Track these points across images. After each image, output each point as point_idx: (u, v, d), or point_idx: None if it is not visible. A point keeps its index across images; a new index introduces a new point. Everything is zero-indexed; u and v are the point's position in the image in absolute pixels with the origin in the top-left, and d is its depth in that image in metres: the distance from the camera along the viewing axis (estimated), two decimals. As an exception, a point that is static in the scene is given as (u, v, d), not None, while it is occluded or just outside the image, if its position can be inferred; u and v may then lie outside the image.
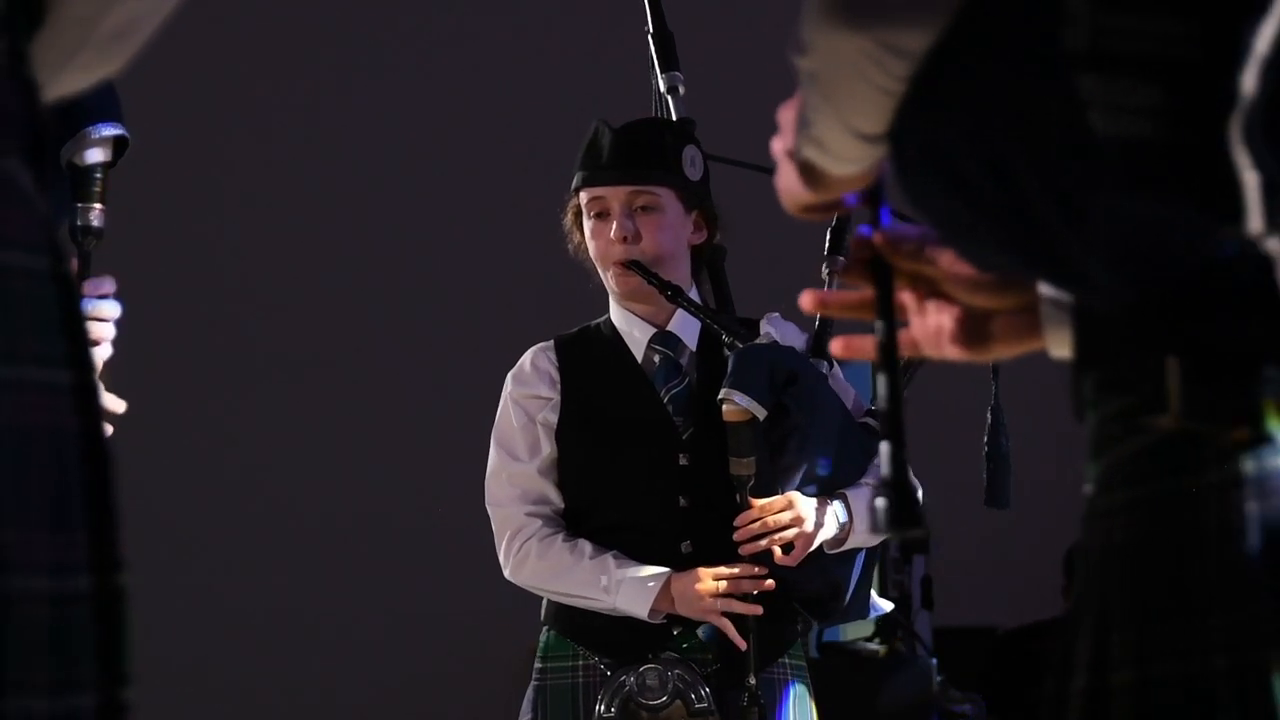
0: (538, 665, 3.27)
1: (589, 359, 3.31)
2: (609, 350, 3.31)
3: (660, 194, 3.24)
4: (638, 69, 3.59)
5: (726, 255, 3.36)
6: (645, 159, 3.24)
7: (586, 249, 3.30)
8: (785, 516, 3.12)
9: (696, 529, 3.20)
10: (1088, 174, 1.18)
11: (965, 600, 6.09)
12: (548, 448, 3.26)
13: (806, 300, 1.43)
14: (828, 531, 3.17)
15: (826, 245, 3.35)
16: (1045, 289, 1.33)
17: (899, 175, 1.32)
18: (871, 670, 5.21)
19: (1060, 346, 1.31)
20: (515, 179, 6.73)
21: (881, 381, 1.30)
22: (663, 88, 3.51)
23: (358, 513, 6.92)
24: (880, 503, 1.28)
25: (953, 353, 1.41)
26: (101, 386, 1.35)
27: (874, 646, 5.28)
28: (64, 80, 1.39)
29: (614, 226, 3.23)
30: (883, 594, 5.27)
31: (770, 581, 3.14)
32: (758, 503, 3.12)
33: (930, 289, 1.39)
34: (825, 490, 3.19)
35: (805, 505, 3.14)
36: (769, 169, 3.62)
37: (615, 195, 3.24)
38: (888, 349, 1.31)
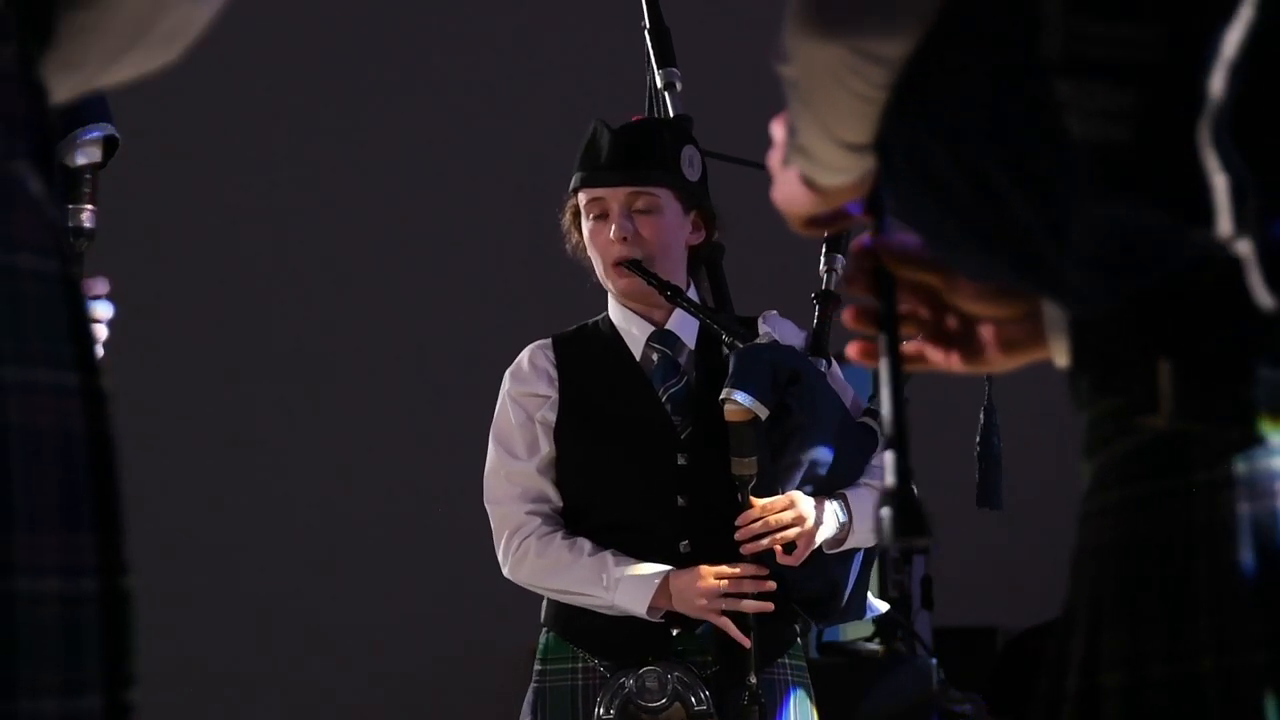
0: (537, 667, 3.28)
1: (587, 357, 3.32)
2: (607, 349, 3.31)
3: (659, 195, 3.25)
4: (634, 65, 3.59)
5: (724, 253, 3.36)
6: (644, 160, 3.25)
7: (585, 248, 3.30)
8: (787, 516, 3.12)
9: (694, 528, 3.21)
10: (1062, 179, 1.19)
11: (965, 600, 6.09)
12: (546, 446, 3.27)
13: (853, 350, 1.42)
14: (827, 531, 3.17)
15: (824, 243, 3.36)
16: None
17: (888, 185, 1.32)
18: (871, 670, 5.21)
19: (1063, 355, 1.32)
20: (512, 176, 6.74)
21: (885, 391, 1.30)
22: (659, 84, 3.51)
23: (357, 512, 6.92)
24: (885, 511, 1.28)
25: (957, 364, 1.41)
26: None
27: (874, 646, 5.29)
28: (105, 79, 1.42)
29: (613, 227, 3.23)
30: (883, 594, 5.29)
31: (771, 582, 3.14)
32: (759, 502, 3.13)
33: (933, 298, 1.39)
34: (824, 490, 3.19)
35: (807, 505, 3.14)
36: (766, 165, 3.62)
37: (614, 196, 3.25)
38: (891, 359, 1.31)
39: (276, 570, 6.85)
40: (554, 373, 3.29)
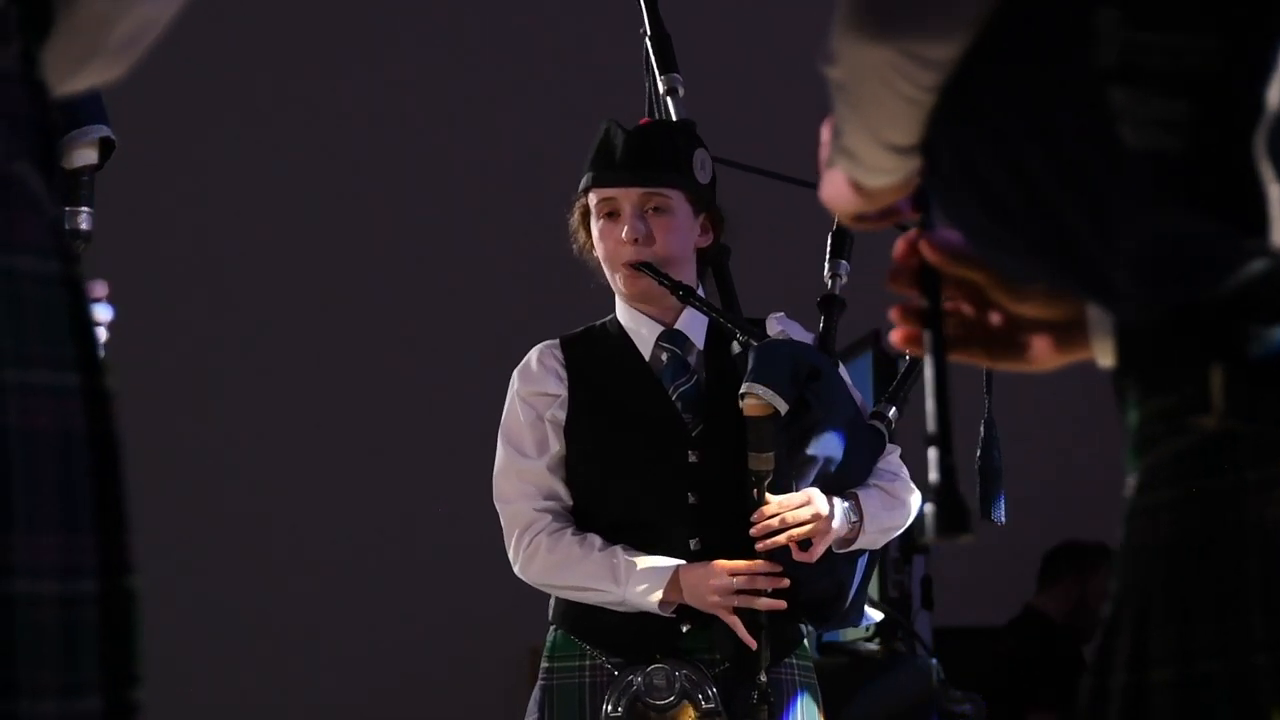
0: (545, 665, 3.26)
1: (596, 357, 3.31)
2: (616, 349, 3.31)
3: (671, 196, 3.24)
4: (636, 71, 3.60)
5: (730, 255, 3.36)
6: (657, 161, 3.24)
7: (592, 249, 3.30)
8: (804, 513, 3.12)
9: (705, 526, 3.20)
10: (1115, 187, 1.19)
11: (965, 600, 6.11)
12: (556, 445, 3.26)
13: (897, 336, 1.42)
14: (839, 530, 3.17)
15: (829, 248, 3.37)
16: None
17: (933, 186, 1.33)
18: (871, 670, 5.21)
19: (1107, 356, 1.32)
20: (515, 179, 6.74)
21: (929, 388, 1.30)
22: (661, 89, 3.51)
23: (358, 513, 6.92)
24: (929, 508, 1.28)
25: (1000, 361, 1.41)
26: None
27: (874, 646, 5.28)
28: (68, 86, 1.41)
29: (625, 227, 3.23)
30: (883, 594, 5.29)
31: (785, 580, 3.15)
32: (775, 499, 3.13)
33: (978, 297, 1.39)
34: (835, 488, 3.19)
35: (823, 502, 3.14)
36: (771, 173, 3.60)
37: (627, 196, 3.24)
38: (937, 356, 1.32)
39: (277, 570, 6.85)
40: (563, 372, 3.29)
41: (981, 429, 3.02)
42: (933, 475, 1.29)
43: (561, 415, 3.26)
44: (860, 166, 1.37)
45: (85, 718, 1.25)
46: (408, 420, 6.94)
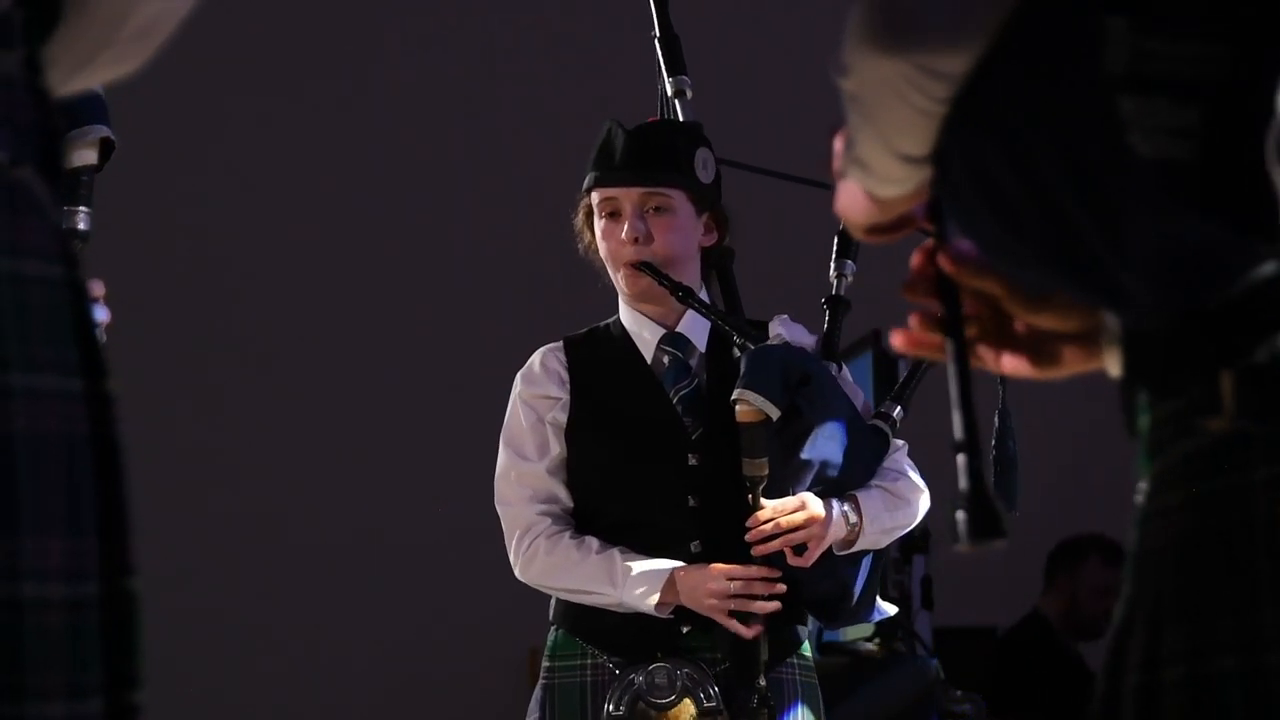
0: (546, 664, 3.27)
1: (598, 359, 3.32)
2: (618, 351, 3.32)
3: (673, 196, 3.25)
4: (645, 73, 3.60)
5: (734, 258, 3.37)
6: (658, 160, 3.25)
7: (597, 249, 3.31)
8: (799, 517, 3.13)
9: (706, 529, 3.21)
10: (1126, 194, 1.20)
11: (965, 600, 6.11)
12: (557, 448, 3.27)
13: (898, 339, 1.43)
14: (837, 533, 3.18)
15: (834, 248, 3.37)
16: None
17: (946, 196, 1.33)
18: (871, 670, 5.21)
19: (1118, 365, 1.33)
20: (522, 180, 6.74)
21: (954, 394, 1.30)
22: (669, 91, 3.51)
23: (358, 514, 6.92)
24: (959, 515, 1.29)
25: (1012, 368, 1.41)
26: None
27: (874, 646, 5.29)
28: (80, 80, 1.41)
29: (625, 227, 3.24)
30: (883, 594, 5.29)
31: (782, 584, 3.15)
32: (769, 504, 3.14)
33: (992, 306, 1.39)
34: (835, 491, 3.20)
35: (818, 506, 3.15)
36: (778, 173, 3.61)
37: (628, 196, 3.25)
38: (959, 364, 1.32)
39: (277, 572, 6.85)
40: (565, 375, 3.30)
41: (996, 419, 3.04)
42: (962, 481, 1.29)
43: (563, 418, 3.27)
44: (873, 176, 1.38)
45: (90, 718, 1.26)
46: (409, 421, 6.94)
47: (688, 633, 3.20)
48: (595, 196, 3.29)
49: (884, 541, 3.27)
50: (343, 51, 7.10)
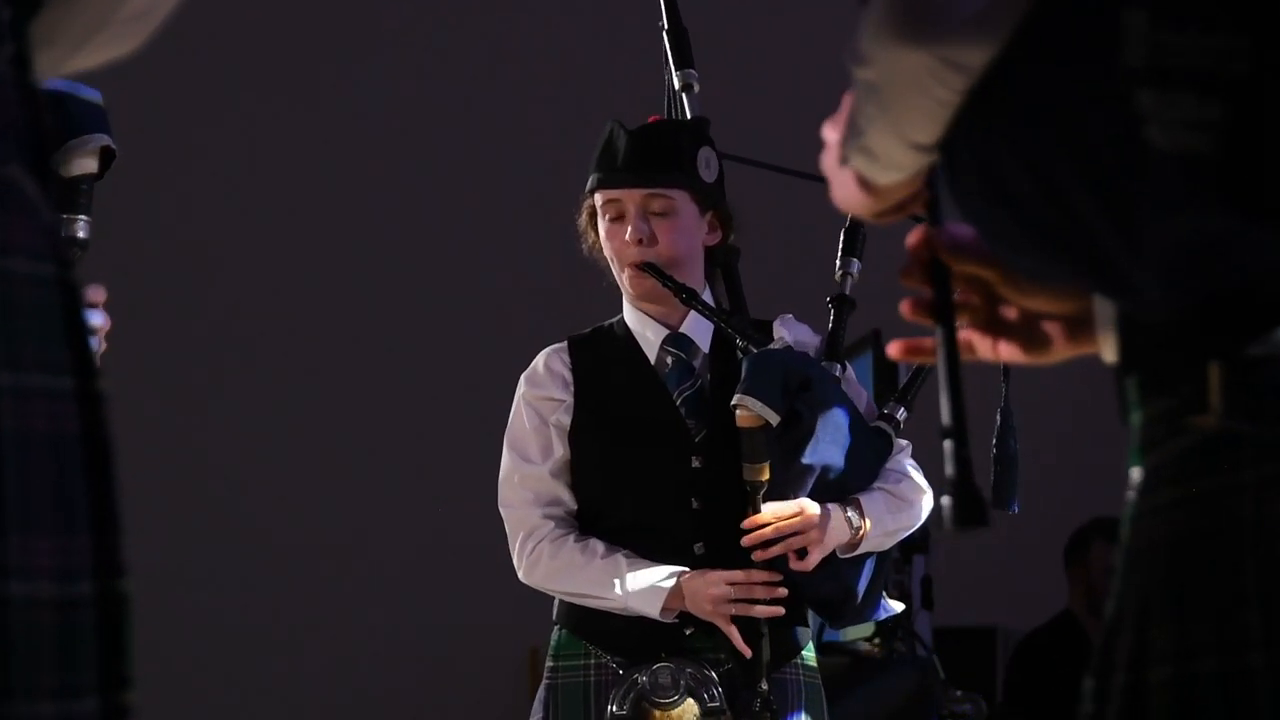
0: (549, 664, 3.27)
1: (602, 360, 3.32)
2: (622, 351, 3.32)
3: (675, 196, 3.25)
4: (652, 66, 3.60)
5: (740, 256, 3.37)
6: (661, 161, 3.24)
7: (600, 249, 3.31)
8: (796, 522, 3.13)
9: (709, 531, 3.21)
10: (1141, 188, 1.20)
11: (965, 600, 6.11)
12: (560, 450, 3.27)
13: (894, 349, 1.43)
14: (840, 537, 3.18)
15: (840, 247, 3.37)
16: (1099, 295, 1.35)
17: (950, 183, 1.34)
18: (871, 670, 5.22)
19: (1112, 352, 1.33)
20: (527, 177, 6.74)
21: (943, 381, 1.31)
22: (677, 85, 3.51)
23: (358, 514, 6.92)
24: (945, 501, 1.29)
25: (1007, 355, 1.42)
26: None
27: (874, 646, 5.29)
28: (76, 60, 1.40)
29: (629, 229, 3.24)
30: (883, 590, 5.29)
31: (783, 590, 3.16)
32: (768, 508, 3.14)
33: (986, 291, 1.40)
34: (837, 495, 3.20)
35: (816, 511, 3.15)
36: (784, 168, 3.59)
37: (630, 198, 3.25)
38: (948, 351, 1.33)
39: (276, 571, 6.85)
40: (569, 376, 3.30)
41: (998, 417, 3.03)
42: (948, 468, 1.30)
43: (566, 420, 3.28)
44: (877, 164, 1.38)
45: (82, 719, 1.25)
46: (410, 421, 6.94)
47: (691, 634, 3.20)
48: (598, 198, 3.29)
49: (888, 544, 3.27)
50: (343, 51, 7.10)
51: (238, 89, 7.00)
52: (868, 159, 1.38)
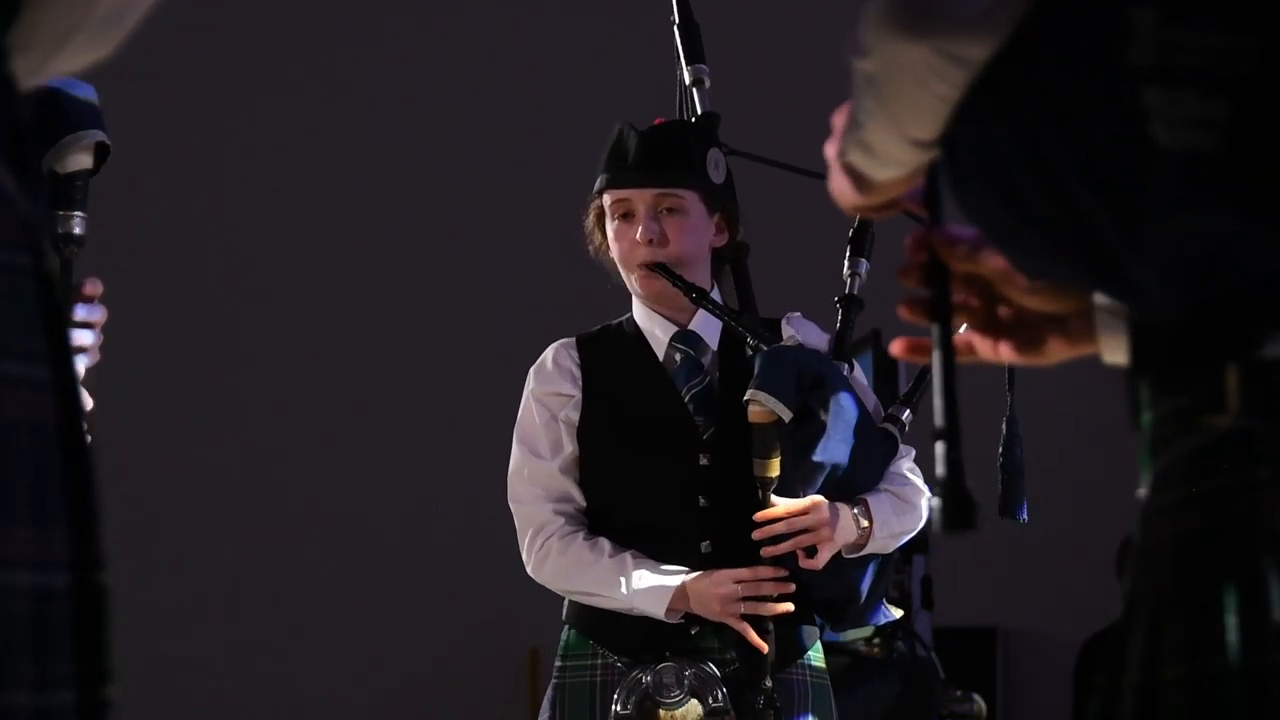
0: (558, 664, 3.28)
1: (611, 357, 3.32)
2: (631, 348, 3.32)
3: (685, 196, 3.25)
4: (663, 61, 3.60)
5: (749, 253, 3.37)
6: (671, 161, 3.24)
7: (608, 250, 3.30)
8: (809, 520, 3.13)
9: (717, 529, 3.21)
10: (1143, 184, 1.20)
11: (965, 600, 6.12)
12: (570, 446, 3.27)
13: (897, 347, 1.44)
14: (848, 536, 3.18)
15: (849, 246, 3.37)
16: (1100, 295, 1.35)
17: (951, 181, 1.33)
18: (871, 670, 5.22)
19: (1114, 352, 1.33)
20: (535, 175, 6.74)
21: (937, 382, 1.31)
22: (688, 80, 3.51)
23: (358, 514, 6.92)
24: (935, 502, 1.29)
25: (1007, 356, 1.42)
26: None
27: (874, 646, 5.29)
28: (55, 63, 1.39)
29: (639, 229, 3.24)
30: (883, 594, 5.30)
31: (791, 584, 3.15)
32: (780, 504, 3.14)
33: (986, 291, 1.40)
34: (845, 494, 3.20)
35: (827, 509, 3.15)
36: (793, 165, 3.57)
37: (640, 198, 3.25)
38: (944, 350, 1.33)
39: (275, 571, 6.85)
40: (577, 372, 3.29)
41: (1004, 426, 3.02)
42: (939, 470, 1.29)
43: (575, 416, 3.28)
44: (875, 159, 1.38)
45: (59, 712, 1.24)
46: (411, 421, 6.94)
47: (696, 634, 3.20)
48: (607, 198, 3.29)
49: (891, 546, 3.27)
50: (348, 48, 7.09)
51: (238, 89, 7.00)
52: (866, 153, 1.38)
